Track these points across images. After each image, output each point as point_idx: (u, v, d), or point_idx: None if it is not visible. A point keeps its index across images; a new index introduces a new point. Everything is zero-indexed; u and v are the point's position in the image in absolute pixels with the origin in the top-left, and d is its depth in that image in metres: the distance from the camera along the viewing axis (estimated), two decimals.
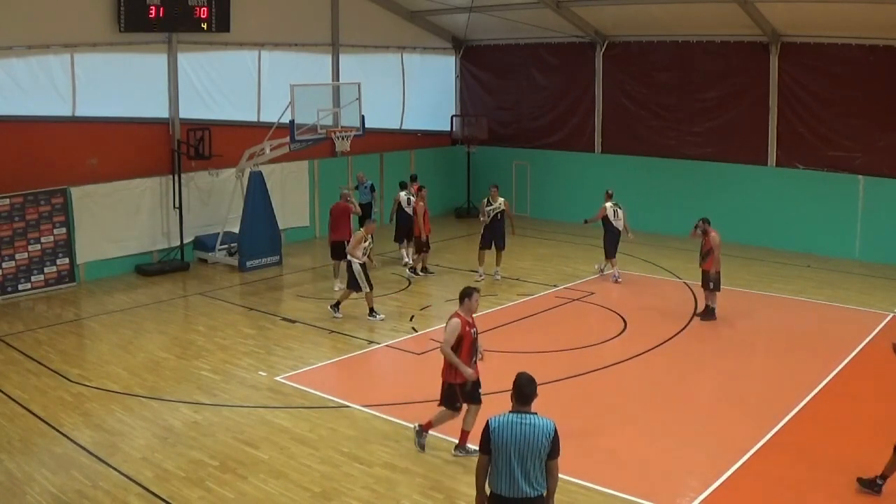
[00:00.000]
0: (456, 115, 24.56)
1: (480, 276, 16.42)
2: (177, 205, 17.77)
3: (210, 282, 16.85)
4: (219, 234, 18.30)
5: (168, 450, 9.11)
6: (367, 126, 17.60)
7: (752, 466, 8.62)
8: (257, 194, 17.66)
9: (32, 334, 13.41)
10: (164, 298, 15.62)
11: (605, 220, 16.36)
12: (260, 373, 11.57)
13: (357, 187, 19.67)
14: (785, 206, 19.04)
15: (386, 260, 18.42)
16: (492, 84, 24.31)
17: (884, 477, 7.92)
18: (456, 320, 8.68)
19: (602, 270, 16.91)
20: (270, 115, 18.14)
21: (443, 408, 8.93)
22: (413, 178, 18.91)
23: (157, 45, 17.57)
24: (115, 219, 17.09)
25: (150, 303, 15.30)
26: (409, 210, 17.28)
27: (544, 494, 5.72)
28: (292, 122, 16.39)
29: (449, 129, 24.47)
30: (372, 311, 14.00)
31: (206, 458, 8.90)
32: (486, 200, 16.55)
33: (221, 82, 18.86)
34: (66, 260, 16.34)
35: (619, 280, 16.29)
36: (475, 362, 8.83)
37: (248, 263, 17.52)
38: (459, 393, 8.76)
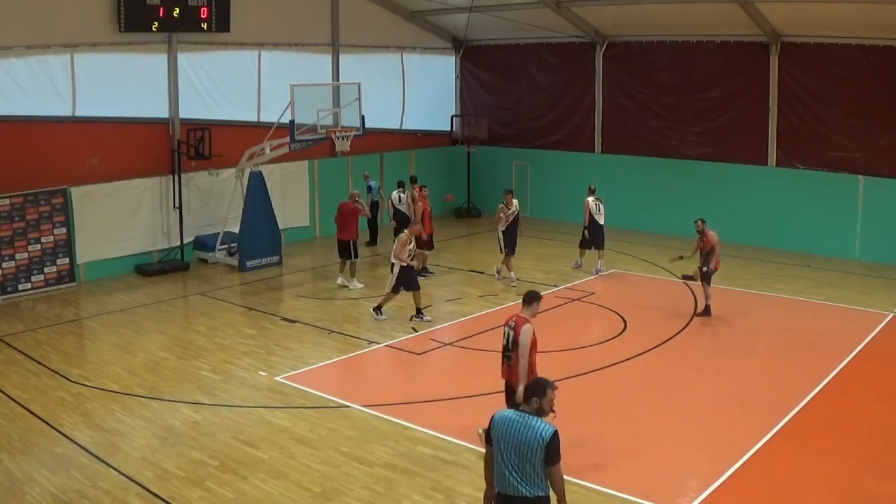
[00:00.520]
0: (456, 115, 24.57)
1: (513, 281, 16.07)
2: (177, 205, 17.77)
3: (210, 282, 16.85)
4: (219, 234, 18.30)
5: (168, 450, 9.11)
6: (367, 126, 17.60)
7: (752, 466, 8.62)
8: (257, 194, 17.66)
9: (32, 334, 13.41)
10: (164, 298, 15.62)
11: (589, 214, 16.92)
12: (260, 373, 11.57)
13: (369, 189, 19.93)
14: (785, 206, 19.04)
15: (384, 260, 18.44)
16: (492, 84, 24.31)
17: None
18: (529, 326, 8.37)
19: (599, 271, 17.07)
20: (270, 115, 18.15)
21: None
22: (413, 180, 18.95)
23: (157, 45, 17.58)
24: (115, 219, 17.09)
25: (150, 303, 15.30)
26: (401, 207, 17.78)
27: (543, 496, 5.67)
28: (292, 122, 16.39)
29: (449, 129, 24.48)
30: (419, 312, 13.90)
31: (206, 458, 8.90)
32: (502, 205, 16.35)
33: (221, 82, 18.86)
34: (66, 260, 16.34)
35: (602, 272, 16.89)
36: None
37: (248, 263, 17.52)
38: None
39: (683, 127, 20.67)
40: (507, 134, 23.93)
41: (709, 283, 13.84)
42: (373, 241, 20.27)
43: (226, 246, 18.33)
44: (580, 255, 17.35)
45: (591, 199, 16.94)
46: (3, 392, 10.84)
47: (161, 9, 16.77)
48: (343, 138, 17.11)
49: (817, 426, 9.69)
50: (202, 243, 18.43)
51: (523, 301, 8.50)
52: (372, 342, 12.93)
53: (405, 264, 13.72)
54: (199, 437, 9.47)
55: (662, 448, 9.13)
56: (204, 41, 18.18)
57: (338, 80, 20.86)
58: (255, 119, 19.45)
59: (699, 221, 13.94)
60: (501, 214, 16.30)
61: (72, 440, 9.36)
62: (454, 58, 24.77)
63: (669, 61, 20.68)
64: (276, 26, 19.66)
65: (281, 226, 18.61)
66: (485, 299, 15.24)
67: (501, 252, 16.38)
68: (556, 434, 5.55)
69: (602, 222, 16.91)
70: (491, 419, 5.77)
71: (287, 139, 16.73)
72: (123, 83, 17.10)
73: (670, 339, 12.95)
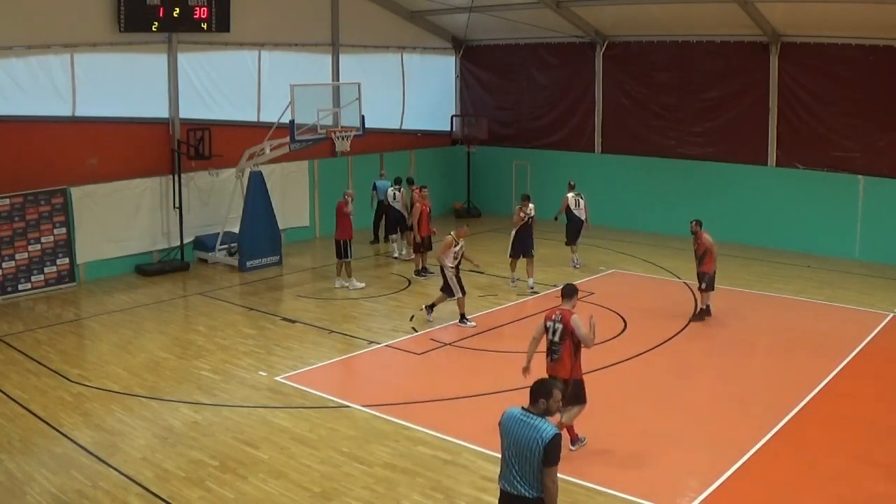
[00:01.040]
0: (456, 115, 24.56)
1: (513, 282, 16.03)
2: (177, 205, 17.77)
3: (210, 282, 16.85)
4: (219, 234, 18.30)
5: (168, 450, 9.11)
6: (367, 126, 17.60)
7: (752, 466, 8.62)
8: (257, 194, 17.66)
9: (32, 334, 13.41)
10: (164, 298, 15.62)
11: (568, 209, 17.38)
12: (260, 373, 11.57)
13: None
14: (785, 206, 19.04)
15: (385, 260, 18.45)
16: (492, 84, 24.31)
17: None
18: (577, 315, 8.81)
19: (575, 263, 17.54)
20: (270, 115, 18.14)
21: (574, 407, 8.87)
22: (410, 181, 18.99)
23: (157, 45, 17.57)
24: (115, 219, 17.09)
25: (150, 303, 15.30)
26: (395, 204, 18.13)
27: (539, 498, 5.64)
28: (292, 122, 16.39)
29: (449, 129, 24.48)
30: (463, 318, 13.65)
31: (206, 458, 8.91)
32: (518, 209, 16.03)
33: (221, 82, 18.86)
34: (66, 260, 16.34)
35: (579, 266, 17.39)
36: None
37: (248, 263, 17.52)
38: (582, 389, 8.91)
39: (683, 127, 20.67)
40: (507, 134, 23.92)
41: (712, 289, 13.78)
42: (376, 239, 20.23)
43: (226, 246, 18.33)
44: (573, 253, 17.60)
45: (570, 194, 17.54)
46: (3, 392, 10.84)
47: (161, 9, 16.76)
48: (343, 138, 17.10)
49: (817, 426, 9.70)
50: (202, 243, 18.42)
51: (564, 294, 9.04)
52: (372, 342, 12.93)
53: (451, 266, 13.49)
54: (199, 437, 9.46)
55: (662, 448, 9.13)
56: (204, 41, 18.17)
57: (338, 80, 20.86)
58: (255, 119, 19.44)
59: (693, 223, 13.91)
60: (519, 217, 15.86)
61: (72, 440, 9.36)
62: (454, 58, 24.76)
63: (669, 61, 20.68)
64: (276, 26, 19.65)
65: (281, 226, 18.61)
66: (485, 299, 15.24)
67: (510, 256, 16.02)
68: (557, 436, 5.53)
69: (582, 217, 17.35)
70: (502, 414, 5.81)
71: (287, 139, 16.73)
72: (123, 83, 17.09)
73: (670, 339, 12.95)
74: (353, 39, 21.47)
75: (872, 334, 12.98)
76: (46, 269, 16.05)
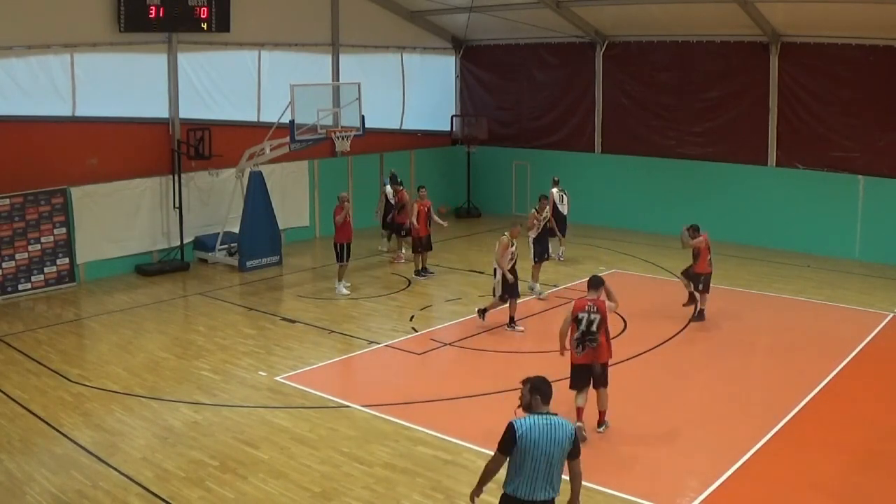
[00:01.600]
0: (456, 115, 24.56)
1: (539, 293, 15.35)
2: (177, 205, 17.77)
3: (210, 282, 16.85)
4: (219, 234, 18.30)
5: (168, 450, 9.11)
6: (367, 126, 17.61)
7: (752, 466, 8.62)
8: (257, 194, 17.66)
9: (32, 334, 13.41)
10: (164, 298, 15.62)
11: (553, 204, 17.54)
12: (260, 373, 11.57)
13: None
14: (785, 206, 19.03)
15: (387, 259, 18.44)
16: (492, 84, 24.30)
17: None
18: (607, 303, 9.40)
19: (559, 256, 17.90)
20: (270, 115, 18.14)
21: (604, 389, 9.40)
22: (393, 178, 19.02)
23: (157, 45, 17.58)
24: (115, 219, 17.09)
25: (150, 303, 15.30)
26: (393, 201, 18.31)
27: (555, 498, 5.67)
28: (292, 122, 16.39)
29: (449, 129, 24.48)
30: (511, 322, 13.40)
31: (206, 458, 8.91)
32: (534, 212, 15.81)
33: (221, 82, 18.86)
34: (66, 260, 16.34)
35: (563, 259, 17.83)
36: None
37: (248, 263, 17.52)
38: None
39: (683, 127, 20.67)
40: (507, 134, 23.92)
41: (706, 290, 13.78)
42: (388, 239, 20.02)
43: (226, 246, 18.33)
44: (560, 245, 17.98)
45: (555, 190, 18.04)
46: (3, 392, 10.84)
47: (161, 9, 16.76)
48: (343, 138, 17.11)
49: (817, 426, 9.70)
50: (202, 243, 18.43)
51: (593, 285, 9.38)
52: (372, 342, 12.93)
53: (508, 268, 13.24)
54: (199, 437, 9.47)
55: (662, 448, 9.14)
56: (204, 41, 18.17)
57: (338, 80, 20.86)
58: (255, 119, 19.44)
59: (690, 229, 13.80)
60: (534, 221, 15.62)
61: (72, 440, 9.36)
62: (454, 58, 24.76)
63: (669, 61, 20.68)
64: (276, 26, 19.65)
65: (281, 226, 18.61)
66: (485, 299, 15.21)
67: (534, 262, 15.44)
68: (576, 429, 5.73)
69: (565, 212, 17.98)
70: (511, 429, 5.55)
71: (287, 139, 16.73)
72: (123, 83, 17.10)
73: (670, 339, 12.95)
74: (353, 39, 21.47)
75: (872, 334, 12.98)
76: (46, 269, 16.05)
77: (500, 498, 5.79)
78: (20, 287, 15.67)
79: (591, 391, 9.42)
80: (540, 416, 5.60)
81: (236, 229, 18.09)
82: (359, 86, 17.40)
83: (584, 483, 8.11)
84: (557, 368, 11.49)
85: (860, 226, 18.14)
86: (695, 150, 20.50)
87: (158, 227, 17.91)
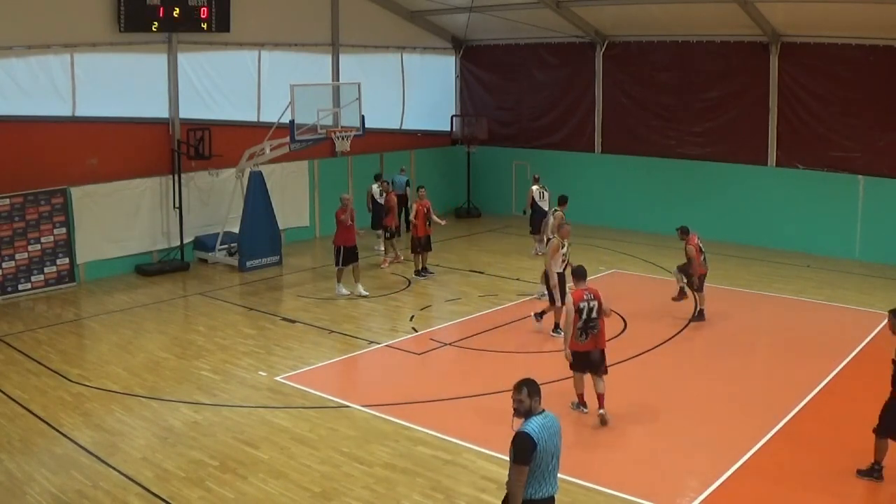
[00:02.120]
0: (456, 115, 24.56)
1: (540, 294, 14.58)
2: (177, 205, 17.77)
3: (210, 282, 16.85)
4: (219, 234, 18.30)
5: (168, 450, 9.11)
6: (367, 126, 17.59)
7: (751, 466, 8.62)
8: (257, 194, 17.66)
9: (32, 334, 13.41)
10: (164, 298, 15.62)
11: (533, 201, 18.55)
12: (260, 373, 11.57)
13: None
14: (785, 206, 19.03)
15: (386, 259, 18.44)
16: (492, 84, 24.30)
17: (878, 462, 8.24)
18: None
19: (537, 251, 18.10)
20: (270, 115, 18.14)
21: (603, 374, 9.83)
22: (377, 177, 19.09)
23: (157, 45, 17.57)
24: (115, 219, 17.09)
25: (150, 303, 15.30)
26: (381, 200, 18.26)
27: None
28: (292, 122, 16.39)
29: (449, 129, 24.47)
30: (556, 328, 12.92)
31: (206, 458, 8.91)
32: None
33: (221, 82, 18.86)
34: (66, 260, 16.34)
35: (541, 254, 17.39)
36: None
37: (248, 263, 17.52)
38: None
39: (683, 127, 20.66)
40: (507, 134, 23.91)
41: (701, 290, 13.79)
42: (397, 232, 19.01)
43: (226, 246, 18.33)
44: (536, 242, 18.40)
45: (535, 187, 18.72)
46: (3, 392, 10.84)
47: (161, 9, 16.76)
48: (343, 138, 17.10)
49: (817, 426, 9.69)
50: (202, 243, 18.42)
51: (581, 276, 9.91)
52: (372, 342, 12.93)
53: (560, 271, 12.92)
54: (199, 437, 9.46)
55: (662, 448, 9.13)
56: (204, 41, 18.17)
57: (338, 80, 20.86)
58: (255, 119, 19.44)
59: (679, 231, 13.85)
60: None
61: (72, 440, 9.36)
62: (454, 58, 24.76)
63: (669, 61, 20.67)
64: (276, 26, 19.65)
65: (281, 226, 18.61)
66: (485, 299, 15.24)
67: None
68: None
69: (545, 209, 18.19)
70: (530, 439, 5.54)
71: (287, 139, 16.72)
72: (123, 83, 17.09)
73: (670, 339, 12.95)
74: (353, 39, 21.47)
75: (872, 334, 12.97)
76: (46, 269, 16.05)
77: (504, 499, 5.80)
78: (20, 287, 15.67)
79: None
80: (541, 417, 5.69)
81: (236, 229, 18.09)
82: (359, 86, 17.39)
83: (583, 483, 8.21)
84: (558, 368, 11.52)
85: (860, 226, 18.13)
86: (695, 150, 20.50)
87: (158, 227, 17.91)
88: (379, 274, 17.33)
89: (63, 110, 16.42)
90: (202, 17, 17.47)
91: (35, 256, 15.87)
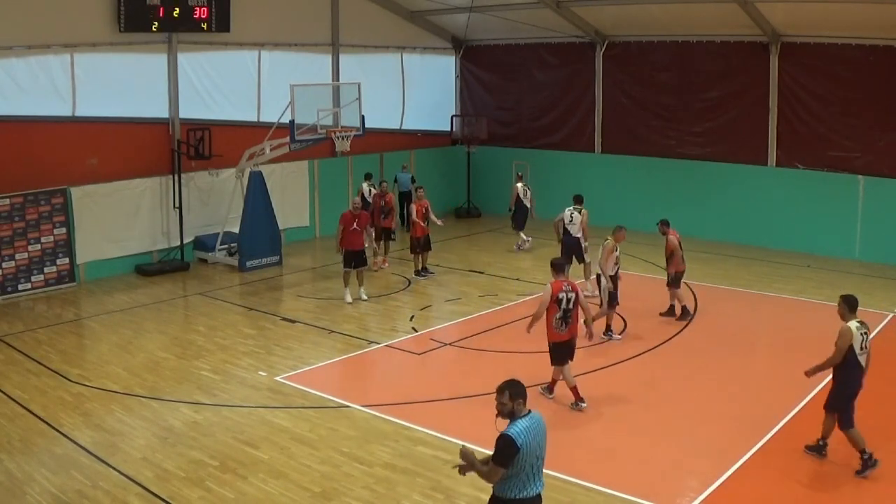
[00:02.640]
0: (456, 115, 24.56)
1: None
2: (177, 205, 17.77)
3: (210, 282, 16.85)
4: (219, 234, 18.30)
5: (168, 450, 9.11)
6: (367, 126, 17.59)
7: (751, 466, 8.62)
8: (257, 194, 17.66)
9: (32, 334, 13.41)
10: (164, 298, 15.62)
11: (518, 198, 19.13)
12: (260, 373, 11.57)
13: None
14: (785, 206, 19.03)
15: (391, 260, 18.43)
16: (492, 84, 24.30)
17: (824, 439, 8.70)
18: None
19: (519, 246, 19.15)
20: (270, 115, 18.14)
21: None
22: (367, 177, 19.09)
23: (157, 45, 17.57)
24: (115, 219, 17.09)
25: (150, 303, 15.30)
26: (370, 199, 18.37)
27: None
28: (292, 122, 16.39)
29: (449, 129, 24.48)
30: (608, 329, 12.84)
31: (206, 458, 8.91)
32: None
33: (221, 82, 18.86)
34: (66, 260, 16.34)
35: (525, 247, 19.05)
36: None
37: (248, 263, 17.52)
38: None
39: (683, 127, 20.66)
40: (507, 134, 23.92)
41: (678, 287, 13.80)
42: (393, 234, 19.11)
43: (226, 246, 18.33)
44: (519, 238, 19.16)
45: (519, 184, 19.43)
46: (3, 392, 10.84)
47: (161, 9, 16.76)
48: (343, 138, 17.10)
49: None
50: (202, 243, 18.42)
51: (560, 268, 10.16)
52: (372, 342, 12.93)
53: (612, 274, 12.88)
54: (199, 437, 9.47)
55: (662, 448, 9.13)
56: (204, 41, 18.17)
57: (338, 80, 20.86)
58: (255, 119, 19.44)
59: (660, 224, 13.87)
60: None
61: (72, 440, 9.36)
62: (454, 58, 24.76)
63: (669, 61, 20.68)
64: (276, 26, 19.65)
65: (281, 226, 18.61)
66: (485, 299, 15.24)
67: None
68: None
69: (528, 206, 19.14)
70: (513, 444, 5.56)
71: (287, 139, 16.72)
72: (123, 83, 17.09)
73: (670, 339, 12.95)
74: (353, 39, 21.47)
75: (873, 334, 12.92)
76: (46, 269, 16.05)
77: (490, 500, 5.80)
78: (20, 287, 15.67)
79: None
80: (526, 420, 5.70)
81: (236, 229, 18.09)
82: (359, 86, 17.39)
83: (583, 483, 8.20)
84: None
85: (860, 226, 18.13)
86: (695, 150, 20.50)
87: (158, 227, 17.91)
88: (379, 274, 17.32)
89: (63, 110, 16.42)
90: (202, 17, 17.47)
91: (35, 256, 15.87)
